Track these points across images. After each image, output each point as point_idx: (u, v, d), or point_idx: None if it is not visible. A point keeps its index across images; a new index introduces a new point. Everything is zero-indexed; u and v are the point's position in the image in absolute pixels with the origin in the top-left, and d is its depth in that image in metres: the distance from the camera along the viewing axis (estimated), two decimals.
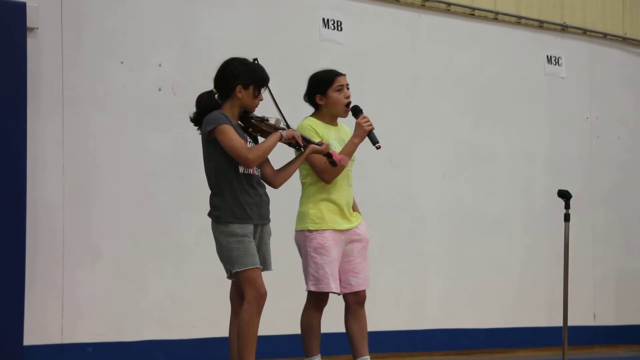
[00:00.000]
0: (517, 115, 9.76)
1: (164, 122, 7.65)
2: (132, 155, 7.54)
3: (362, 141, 6.03)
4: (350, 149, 6.00)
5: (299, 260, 6.06)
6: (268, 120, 5.67)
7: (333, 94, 6.06)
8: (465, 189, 9.37)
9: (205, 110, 5.58)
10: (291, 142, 5.70)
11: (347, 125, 6.19)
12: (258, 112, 5.68)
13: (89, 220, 7.34)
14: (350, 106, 6.09)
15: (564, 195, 7.31)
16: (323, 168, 5.93)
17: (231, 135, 5.45)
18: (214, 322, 7.39)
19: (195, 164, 7.14)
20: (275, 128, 5.65)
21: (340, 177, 6.02)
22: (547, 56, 9.99)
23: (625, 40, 10.56)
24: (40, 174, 7.12)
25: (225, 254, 5.52)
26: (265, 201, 5.65)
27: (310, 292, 6.03)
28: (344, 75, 6.12)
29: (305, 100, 6.15)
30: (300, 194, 6.10)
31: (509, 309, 9.63)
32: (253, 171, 5.60)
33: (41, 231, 7.11)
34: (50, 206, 7.17)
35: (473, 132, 9.45)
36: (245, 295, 5.48)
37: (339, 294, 6.07)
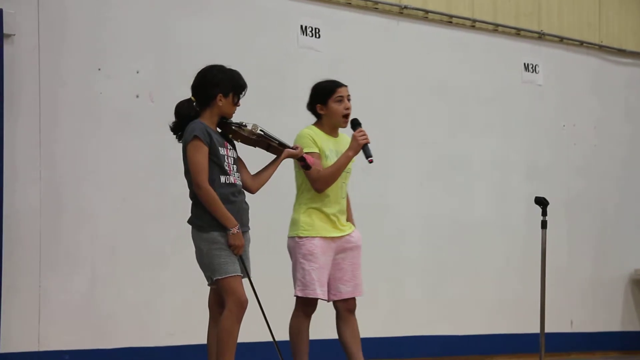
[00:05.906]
0: (494, 122, 9.78)
1: (141, 129, 7.63)
2: (109, 162, 7.51)
3: (356, 154, 6.09)
4: (343, 162, 6.05)
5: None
6: (246, 126, 5.70)
7: (333, 105, 6.12)
8: (442, 197, 9.38)
9: (185, 119, 5.58)
10: (261, 142, 5.74)
11: (349, 136, 6.20)
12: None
13: (65, 227, 7.30)
14: (350, 118, 6.15)
15: (541, 202, 7.34)
16: (315, 177, 5.98)
17: (201, 155, 5.45)
18: (192, 330, 7.38)
19: (172, 171, 7.14)
20: (252, 133, 5.68)
21: (333, 187, 6.06)
22: (525, 64, 10.02)
23: (601, 48, 10.61)
24: (17, 181, 7.08)
25: (207, 261, 5.52)
26: (245, 209, 5.67)
27: (298, 298, 6.07)
28: (346, 86, 6.19)
29: (308, 109, 6.20)
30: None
31: (486, 315, 9.64)
32: (235, 180, 5.60)
33: (17, 238, 7.07)
34: (27, 213, 7.13)
35: (450, 140, 9.47)
36: (226, 303, 5.49)
37: (327, 301, 6.12)
